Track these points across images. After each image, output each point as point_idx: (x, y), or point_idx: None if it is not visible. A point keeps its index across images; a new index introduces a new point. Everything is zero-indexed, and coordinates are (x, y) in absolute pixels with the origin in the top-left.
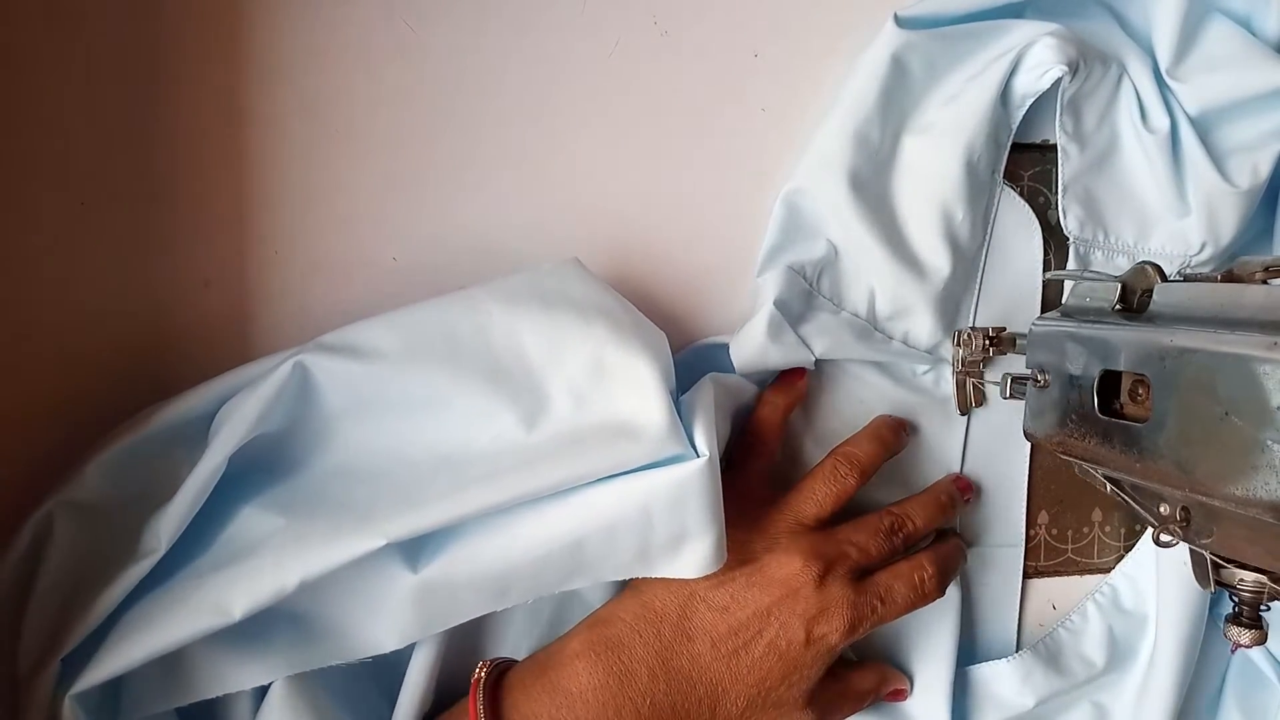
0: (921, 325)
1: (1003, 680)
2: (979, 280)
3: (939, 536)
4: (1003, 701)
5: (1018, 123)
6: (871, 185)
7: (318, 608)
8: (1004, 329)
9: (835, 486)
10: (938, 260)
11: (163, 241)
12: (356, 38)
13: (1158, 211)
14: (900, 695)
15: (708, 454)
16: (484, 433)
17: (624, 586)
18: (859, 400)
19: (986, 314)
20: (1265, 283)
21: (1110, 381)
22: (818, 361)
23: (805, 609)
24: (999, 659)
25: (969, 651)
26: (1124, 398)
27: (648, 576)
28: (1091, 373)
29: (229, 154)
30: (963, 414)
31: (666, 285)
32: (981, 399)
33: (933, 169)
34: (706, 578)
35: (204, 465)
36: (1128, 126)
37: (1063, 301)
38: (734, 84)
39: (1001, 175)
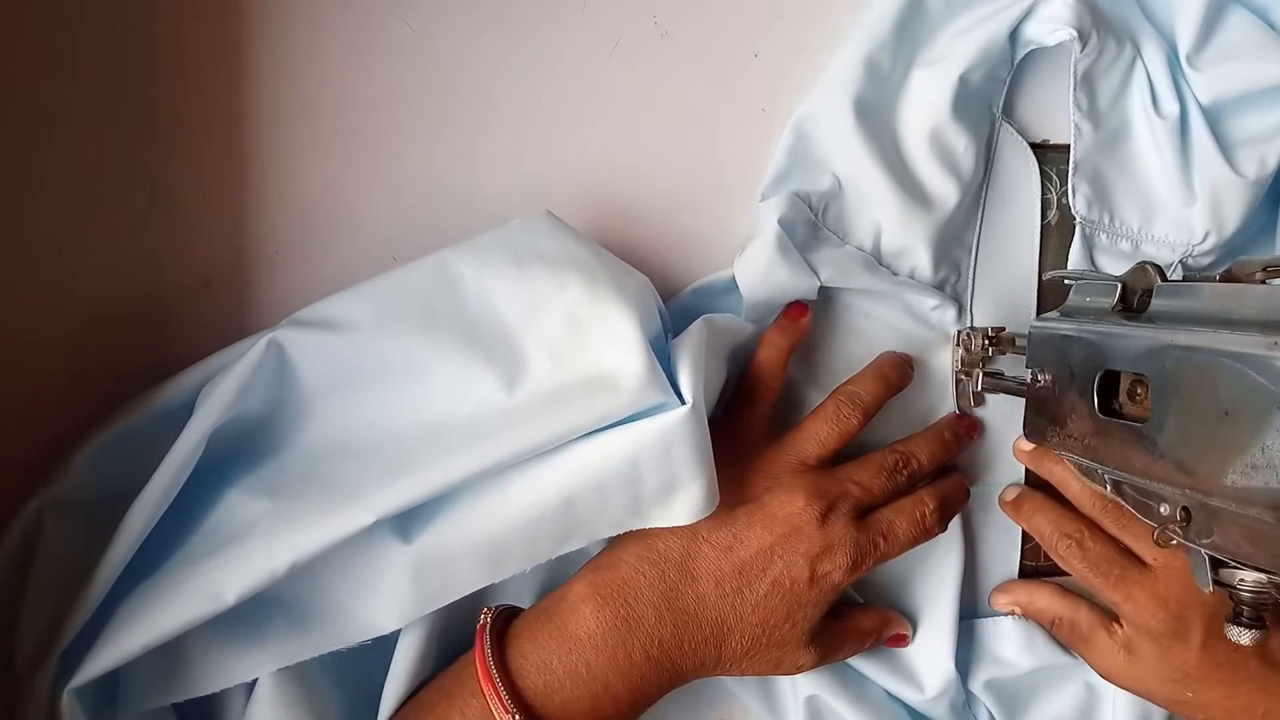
0: (926, 260)
1: (1005, 638)
2: (980, 216)
3: (941, 473)
4: (1001, 659)
5: (1018, 59)
6: (877, 112)
7: (313, 592)
8: (1003, 329)
9: (838, 426)
10: (941, 190)
11: (163, 242)
12: (356, 38)
13: (1163, 198)
14: (902, 641)
15: (692, 400)
16: (465, 398)
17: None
18: (864, 338)
19: (989, 255)
20: (1265, 283)
21: (1110, 381)
22: (821, 300)
23: (809, 547)
24: (1003, 616)
25: (971, 593)
26: (1123, 398)
27: (643, 528)
28: (1091, 373)
29: (229, 154)
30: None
31: (667, 287)
32: (981, 400)
33: (931, 96)
34: (709, 518)
35: (180, 445)
36: (1139, 110)
37: (1065, 289)
38: (734, 84)
39: (1000, 111)
